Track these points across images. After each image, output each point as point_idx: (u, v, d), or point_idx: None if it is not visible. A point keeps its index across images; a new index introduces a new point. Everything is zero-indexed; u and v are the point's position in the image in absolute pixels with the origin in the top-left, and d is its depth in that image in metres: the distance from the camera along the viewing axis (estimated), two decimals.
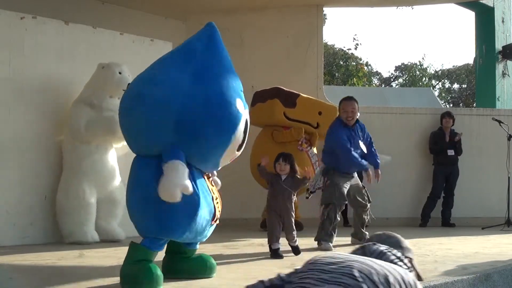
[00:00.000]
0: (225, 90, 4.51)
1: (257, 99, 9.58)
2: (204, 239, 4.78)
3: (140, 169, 4.55)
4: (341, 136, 7.34)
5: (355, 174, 7.69)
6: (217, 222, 4.74)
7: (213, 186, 4.74)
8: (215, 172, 4.87)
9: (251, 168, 9.56)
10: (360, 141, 7.49)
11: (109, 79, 7.51)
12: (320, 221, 7.31)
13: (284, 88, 9.60)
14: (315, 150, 9.54)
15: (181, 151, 4.36)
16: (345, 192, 7.39)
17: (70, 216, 7.35)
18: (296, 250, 6.47)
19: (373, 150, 7.77)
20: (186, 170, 4.31)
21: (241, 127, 4.53)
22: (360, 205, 7.64)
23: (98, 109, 7.49)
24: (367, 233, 7.68)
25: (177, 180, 4.23)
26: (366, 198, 7.64)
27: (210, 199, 4.58)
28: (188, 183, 4.26)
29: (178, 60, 4.63)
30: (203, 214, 4.46)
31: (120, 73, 7.54)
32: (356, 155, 7.33)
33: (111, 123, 7.18)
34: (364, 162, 7.41)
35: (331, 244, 7.17)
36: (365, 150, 7.54)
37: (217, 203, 4.68)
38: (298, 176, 6.40)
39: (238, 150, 4.64)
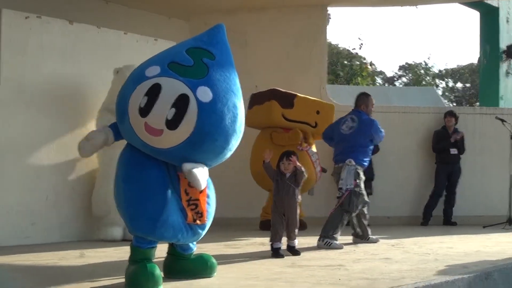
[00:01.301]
0: (146, 62, 4.54)
1: (254, 102, 9.56)
2: (192, 240, 4.69)
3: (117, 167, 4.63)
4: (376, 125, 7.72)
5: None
6: (202, 222, 4.58)
7: (191, 187, 4.54)
8: (186, 167, 4.46)
9: (252, 172, 9.56)
10: None
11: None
12: (330, 219, 7.31)
13: (280, 89, 9.55)
14: (314, 149, 9.54)
15: None
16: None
17: (104, 215, 7.54)
18: (293, 251, 6.44)
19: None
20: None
21: (139, 90, 4.32)
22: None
23: None
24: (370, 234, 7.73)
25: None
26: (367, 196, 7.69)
27: (179, 199, 4.48)
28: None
29: None
30: (173, 210, 4.41)
31: None
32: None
33: None
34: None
35: (341, 244, 7.22)
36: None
37: (192, 204, 4.55)
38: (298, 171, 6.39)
39: (170, 127, 4.26)
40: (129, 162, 4.49)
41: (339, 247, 7.09)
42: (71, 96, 7.71)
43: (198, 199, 4.54)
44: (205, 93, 4.30)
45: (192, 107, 4.23)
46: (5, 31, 7.27)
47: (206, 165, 4.52)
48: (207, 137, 4.32)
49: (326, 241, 7.13)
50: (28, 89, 7.42)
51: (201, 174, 4.37)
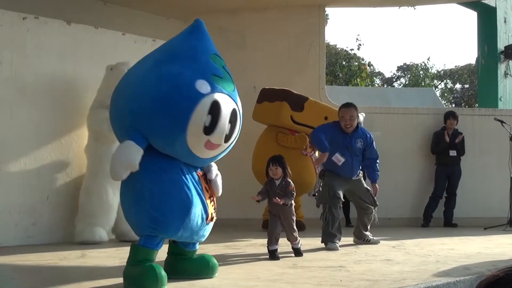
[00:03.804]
0: (181, 72, 4.42)
1: (265, 98, 9.53)
2: (203, 239, 4.77)
3: None
4: (318, 130, 7.57)
5: (360, 176, 7.67)
6: (213, 221, 4.74)
7: (209, 186, 4.73)
8: (213, 173, 4.80)
9: (254, 169, 9.53)
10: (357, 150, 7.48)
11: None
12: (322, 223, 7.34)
13: (293, 91, 9.54)
14: (317, 154, 9.51)
15: (140, 134, 4.40)
16: (340, 192, 7.36)
17: (90, 216, 7.39)
18: (298, 252, 6.46)
19: (372, 164, 7.62)
20: (139, 151, 4.35)
21: (201, 109, 4.32)
22: (362, 207, 7.63)
23: None
24: (368, 233, 7.68)
25: (123, 158, 4.35)
26: (370, 200, 7.61)
27: (203, 197, 4.58)
28: (135, 161, 4.32)
29: (155, 53, 4.83)
30: (197, 211, 4.48)
31: None
32: (321, 138, 7.38)
33: None
34: (324, 145, 7.34)
35: (337, 244, 7.16)
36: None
37: (211, 201, 4.69)
38: (289, 180, 6.32)
39: (226, 141, 4.51)
40: (152, 166, 4.48)
41: (334, 248, 7.07)
42: (70, 96, 7.71)
43: (213, 195, 4.78)
44: (240, 105, 4.66)
45: (239, 120, 4.61)
46: (3, 32, 7.26)
47: None
48: (234, 143, 4.72)
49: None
50: (27, 89, 7.43)
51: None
